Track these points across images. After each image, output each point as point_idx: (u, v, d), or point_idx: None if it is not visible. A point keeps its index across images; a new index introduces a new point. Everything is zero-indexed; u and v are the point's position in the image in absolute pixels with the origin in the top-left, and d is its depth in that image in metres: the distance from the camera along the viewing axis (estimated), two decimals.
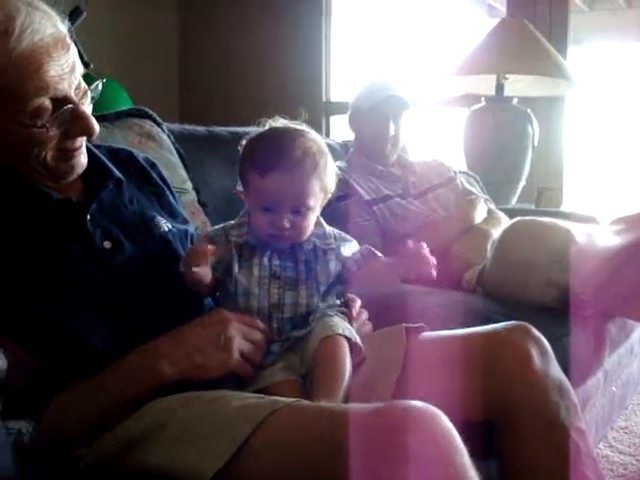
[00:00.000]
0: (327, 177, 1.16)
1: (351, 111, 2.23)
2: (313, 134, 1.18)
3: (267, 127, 1.18)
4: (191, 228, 1.31)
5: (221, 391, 1.03)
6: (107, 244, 1.12)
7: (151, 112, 1.87)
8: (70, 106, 1.02)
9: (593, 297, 1.71)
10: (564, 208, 2.91)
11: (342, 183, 1.39)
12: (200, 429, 0.94)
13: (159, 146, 1.81)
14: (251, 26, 3.78)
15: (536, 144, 3.02)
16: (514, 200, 3.05)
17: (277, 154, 1.12)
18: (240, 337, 1.09)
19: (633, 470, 2.01)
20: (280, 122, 1.19)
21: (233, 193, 1.23)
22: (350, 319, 1.20)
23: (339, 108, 3.53)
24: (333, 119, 3.78)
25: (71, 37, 1.04)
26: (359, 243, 1.23)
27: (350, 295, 1.25)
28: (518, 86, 3.06)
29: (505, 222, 2.10)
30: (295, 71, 3.72)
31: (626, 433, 2.25)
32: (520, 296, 1.76)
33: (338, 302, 1.21)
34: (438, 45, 4.27)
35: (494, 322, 1.27)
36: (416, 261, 1.14)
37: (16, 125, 1.00)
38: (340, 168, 1.29)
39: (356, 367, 1.14)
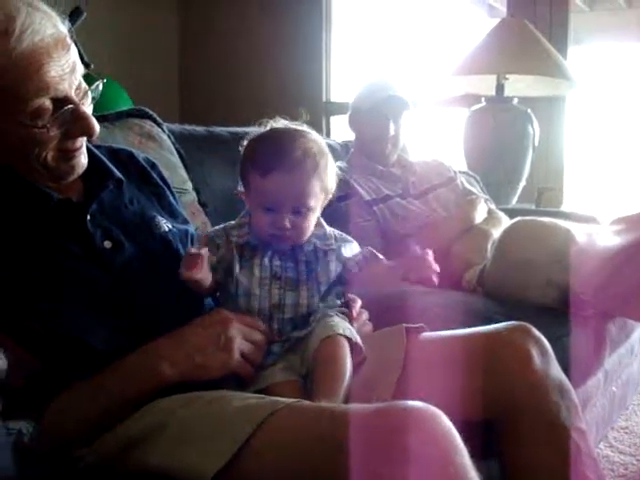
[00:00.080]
0: (328, 177, 1.16)
1: (351, 111, 2.23)
2: (314, 135, 1.18)
3: (268, 128, 1.19)
4: (191, 228, 1.31)
5: (222, 391, 1.04)
6: (107, 244, 1.12)
7: (151, 112, 1.87)
8: (71, 106, 1.02)
9: (593, 297, 1.71)
10: (564, 208, 2.91)
11: (342, 183, 1.39)
12: (201, 429, 0.94)
13: (159, 146, 1.81)
14: (251, 26, 3.77)
15: (536, 144, 3.02)
16: (514, 200, 3.05)
17: (278, 154, 1.12)
18: (241, 337, 1.09)
19: (634, 470, 2.01)
20: (281, 123, 1.19)
21: (234, 193, 1.23)
22: (350, 319, 1.20)
23: (339, 108, 3.53)
24: (333, 119, 3.78)
25: (71, 37, 1.04)
26: (359, 243, 1.23)
27: (350, 295, 1.25)
28: (518, 86, 3.05)
29: (505, 222, 2.10)
30: (295, 71, 3.72)
31: (627, 433, 2.25)
32: (520, 296, 1.76)
33: (338, 302, 1.21)
34: (438, 45, 4.27)
35: (494, 322, 1.27)
36: (419, 265, 1.14)
37: (16, 125, 1.00)
38: (340, 168, 1.30)
39: (356, 367, 1.14)
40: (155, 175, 1.31)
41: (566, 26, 3.34)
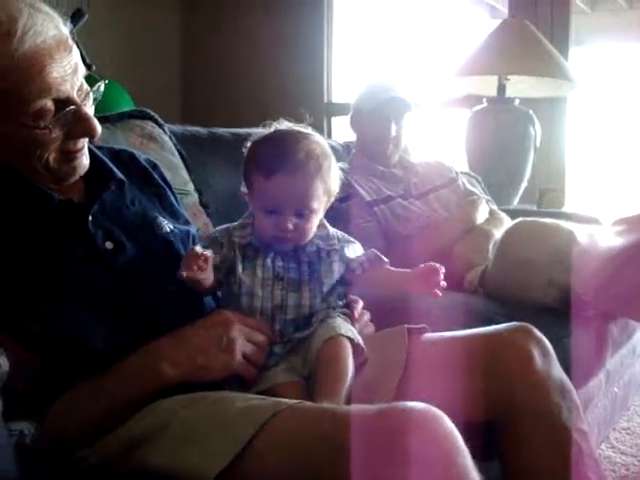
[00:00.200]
0: (331, 180, 1.16)
1: (353, 112, 2.23)
2: (317, 137, 1.18)
3: (272, 129, 1.19)
4: (193, 229, 1.31)
5: (224, 392, 1.03)
6: (109, 245, 1.12)
7: (153, 113, 1.87)
8: (72, 107, 1.02)
9: (595, 298, 1.71)
10: (566, 209, 2.90)
11: (344, 184, 1.39)
12: (203, 430, 0.94)
13: (161, 147, 1.81)
14: (252, 27, 3.78)
15: (538, 145, 3.02)
16: (516, 201, 3.05)
17: (281, 156, 1.13)
18: (243, 338, 1.09)
19: (635, 471, 2.01)
20: (285, 124, 1.19)
21: (238, 195, 1.23)
22: (352, 320, 1.20)
23: (341, 109, 3.53)
24: (335, 120, 3.78)
25: (73, 39, 1.05)
26: (361, 244, 1.23)
27: (352, 296, 1.25)
28: (520, 87, 3.05)
29: (507, 223, 2.10)
30: (297, 72, 3.72)
31: (628, 434, 2.25)
32: (522, 297, 1.76)
33: (340, 303, 1.21)
34: (440, 46, 4.27)
35: (496, 323, 1.27)
36: (426, 281, 1.13)
37: (18, 126, 1.00)
38: (342, 169, 1.30)
39: (358, 368, 1.14)
40: (156, 176, 1.31)
41: (567, 27, 3.34)
